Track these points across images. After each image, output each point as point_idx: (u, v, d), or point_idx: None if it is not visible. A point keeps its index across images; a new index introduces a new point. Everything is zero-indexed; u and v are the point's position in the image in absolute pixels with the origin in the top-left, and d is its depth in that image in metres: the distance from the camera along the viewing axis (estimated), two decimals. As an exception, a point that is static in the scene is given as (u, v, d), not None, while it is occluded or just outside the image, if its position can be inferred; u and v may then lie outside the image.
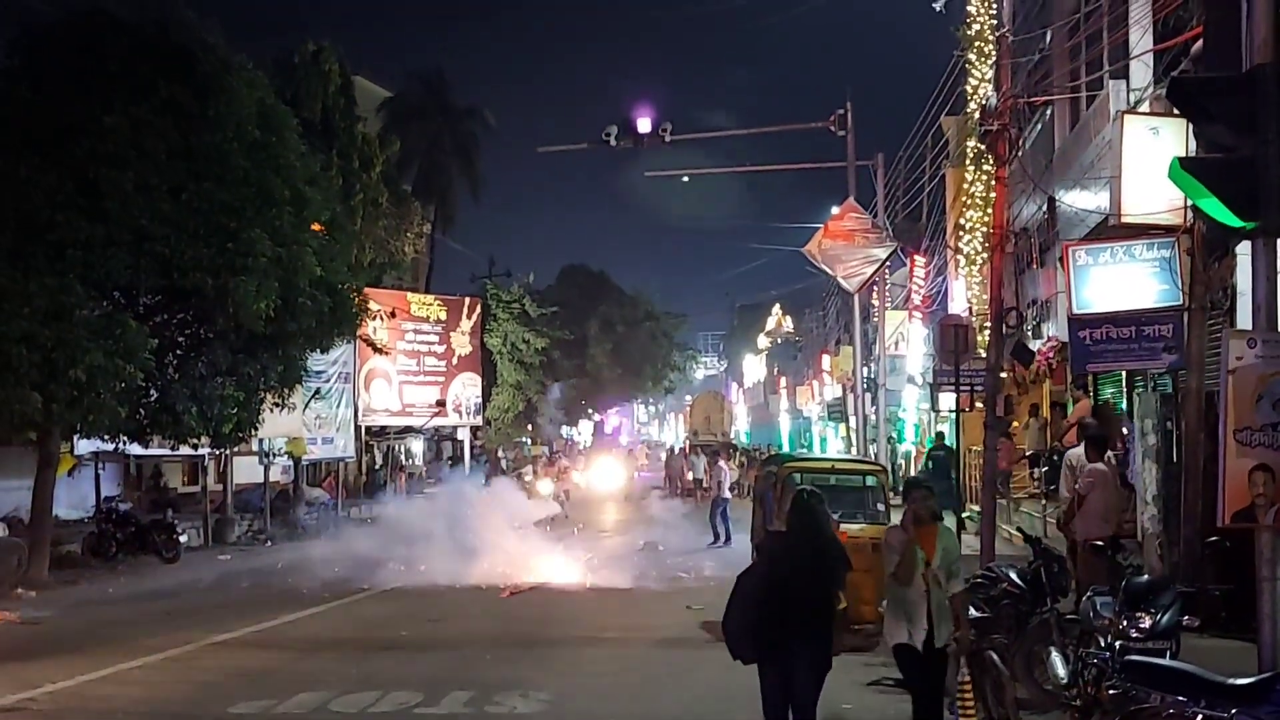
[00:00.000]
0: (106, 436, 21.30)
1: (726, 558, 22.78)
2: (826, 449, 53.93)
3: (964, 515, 29.09)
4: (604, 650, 14.92)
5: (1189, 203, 12.91)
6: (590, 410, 69.16)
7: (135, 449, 23.50)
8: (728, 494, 28.79)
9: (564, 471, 45.97)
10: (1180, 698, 7.21)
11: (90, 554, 23.56)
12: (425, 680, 12.65)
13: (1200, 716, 7.03)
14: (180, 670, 13.62)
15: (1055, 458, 19.92)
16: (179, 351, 21.51)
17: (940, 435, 30.46)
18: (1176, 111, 14.15)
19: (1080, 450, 16.87)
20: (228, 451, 26.99)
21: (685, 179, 35.47)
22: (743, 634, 8.47)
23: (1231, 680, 7.14)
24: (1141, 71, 18.22)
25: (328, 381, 32.52)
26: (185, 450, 24.04)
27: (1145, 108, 17.43)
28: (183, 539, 24.60)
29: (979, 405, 22.29)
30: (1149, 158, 15.24)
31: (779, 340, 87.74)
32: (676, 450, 58.52)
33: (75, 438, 22.66)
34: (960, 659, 8.99)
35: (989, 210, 24.72)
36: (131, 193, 19.12)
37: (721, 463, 30.96)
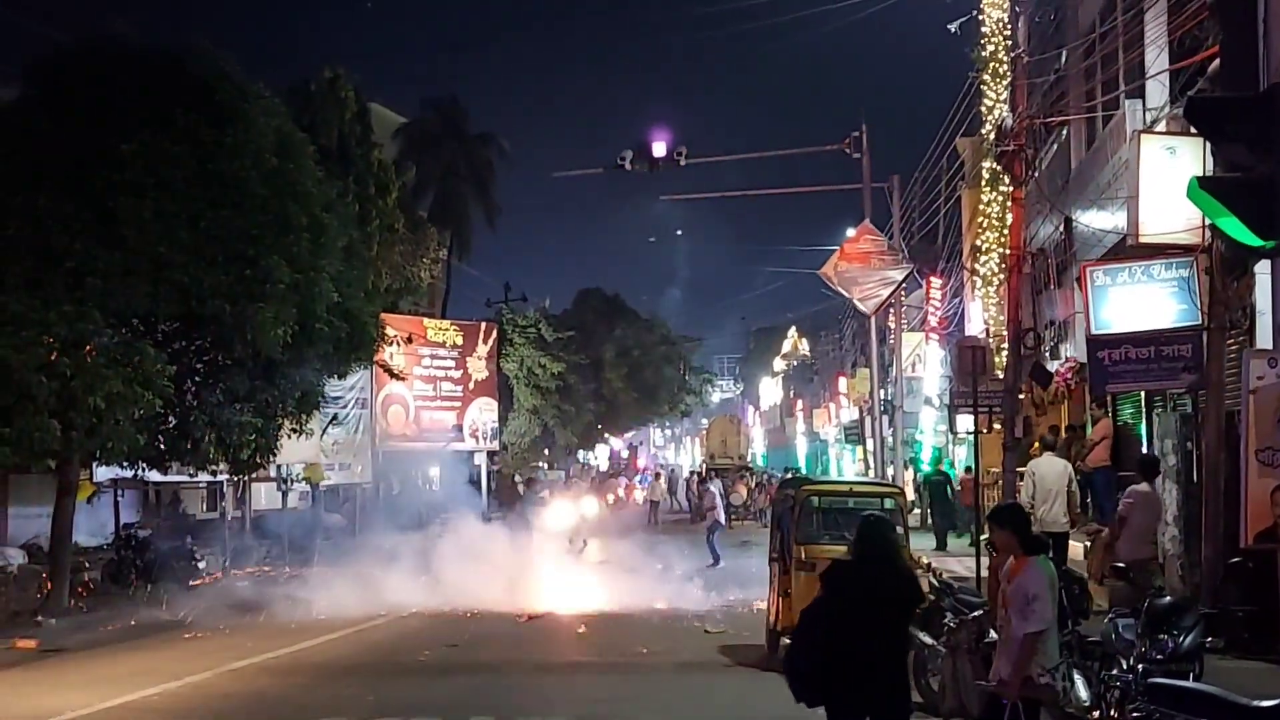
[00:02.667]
0: (125, 464, 21.33)
1: (740, 580, 22.70)
2: (844, 472, 53.89)
3: (957, 536, 29.27)
4: (622, 674, 14.89)
5: (1207, 222, 12.89)
6: (606, 435, 69.12)
7: (154, 476, 23.53)
8: (721, 518, 30.04)
9: (578, 498, 45.90)
10: (1204, 720, 7.16)
11: (110, 581, 23.56)
12: (444, 705, 12.64)
13: (1224, 739, 6.99)
14: (200, 696, 13.61)
15: (1079, 478, 19.90)
16: (197, 378, 21.55)
17: (936, 460, 31.01)
18: (1193, 131, 14.14)
19: (1039, 461, 17.37)
20: (246, 478, 27.00)
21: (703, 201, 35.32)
22: (809, 674, 7.69)
23: (1256, 703, 7.08)
24: (1158, 91, 18.20)
25: (345, 407, 32.51)
26: (204, 477, 24.06)
27: (1162, 127, 17.42)
28: (201, 565, 24.57)
29: (997, 427, 22.25)
30: (1166, 177, 15.23)
31: (795, 363, 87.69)
32: (690, 474, 58.46)
33: (94, 465, 22.67)
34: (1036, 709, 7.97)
35: (1005, 231, 24.70)
36: (149, 221, 19.16)
37: (711, 487, 31.27)
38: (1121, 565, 13.17)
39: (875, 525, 8.04)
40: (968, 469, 31.98)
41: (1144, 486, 15.02)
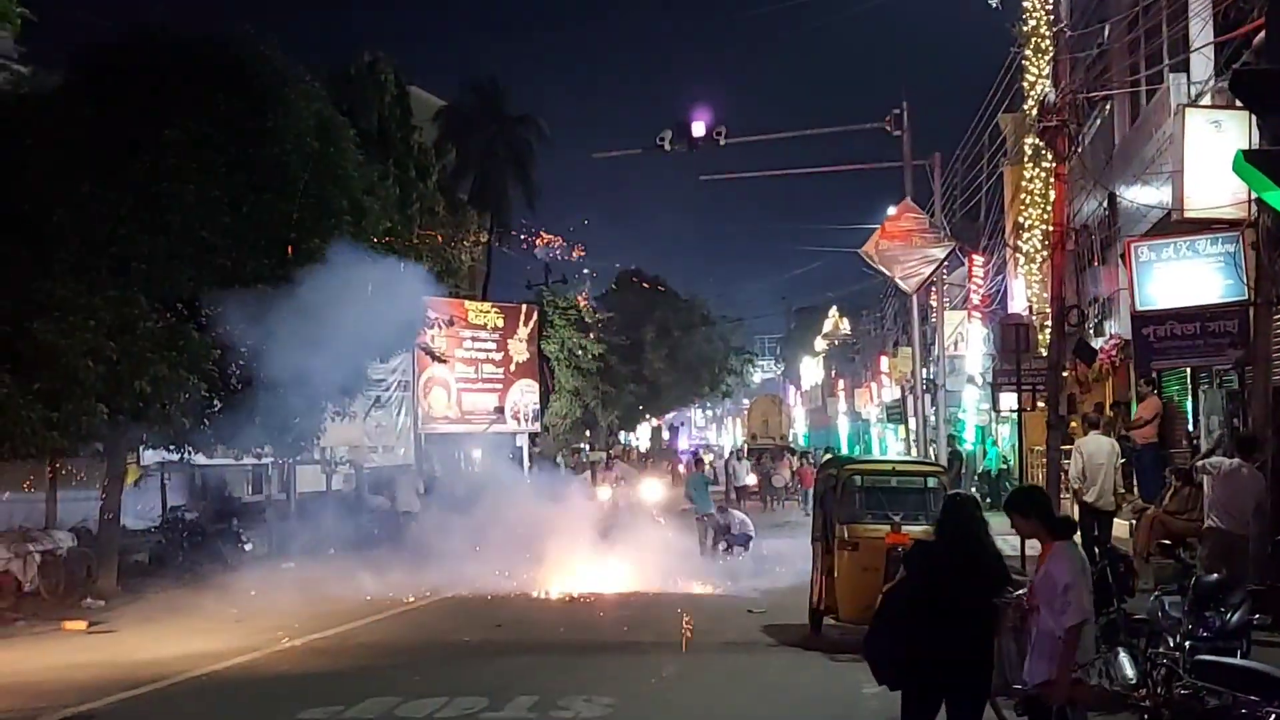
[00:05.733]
0: (172, 447, 21.52)
1: (784, 560, 22.68)
2: (886, 451, 53.73)
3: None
4: (666, 655, 14.91)
5: (1253, 196, 12.77)
6: (648, 416, 69.13)
7: (200, 459, 23.72)
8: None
9: (618, 480, 45.97)
10: (1253, 697, 7.12)
11: (157, 563, 23.80)
12: (489, 685, 12.70)
13: (1274, 716, 6.95)
14: (247, 676, 13.77)
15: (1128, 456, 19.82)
16: (241, 362, 21.69)
17: (952, 438, 31.37)
18: (1239, 104, 14.00)
19: (1086, 440, 17.37)
20: (290, 460, 27.20)
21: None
22: (891, 657, 7.56)
23: (1305, 679, 7.04)
24: (1202, 64, 18.02)
25: (387, 390, 32.69)
26: (249, 460, 24.26)
27: (1207, 101, 17.25)
28: (247, 547, 24.77)
29: (1041, 405, 22.14)
30: (1211, 151, 15.10)
31: (836, 342, 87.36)
32: (730, 455, 58.37)
33: (141, 448, 22.90)
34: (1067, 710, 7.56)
35: (1048, 208, 24.56)
36: (192, 206, 19.28)
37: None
38: (1168, 541, 13.08)
39: (961, 504, 7.83)
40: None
41: (1230, 462, 14.58)
